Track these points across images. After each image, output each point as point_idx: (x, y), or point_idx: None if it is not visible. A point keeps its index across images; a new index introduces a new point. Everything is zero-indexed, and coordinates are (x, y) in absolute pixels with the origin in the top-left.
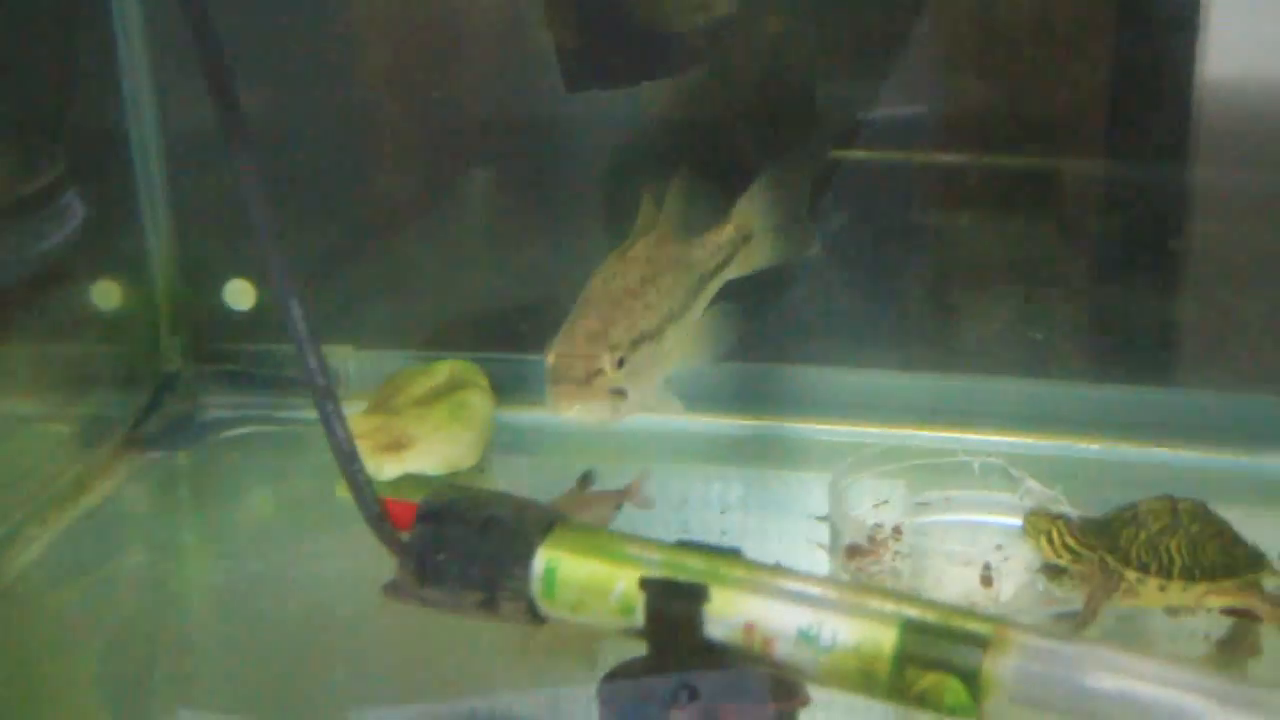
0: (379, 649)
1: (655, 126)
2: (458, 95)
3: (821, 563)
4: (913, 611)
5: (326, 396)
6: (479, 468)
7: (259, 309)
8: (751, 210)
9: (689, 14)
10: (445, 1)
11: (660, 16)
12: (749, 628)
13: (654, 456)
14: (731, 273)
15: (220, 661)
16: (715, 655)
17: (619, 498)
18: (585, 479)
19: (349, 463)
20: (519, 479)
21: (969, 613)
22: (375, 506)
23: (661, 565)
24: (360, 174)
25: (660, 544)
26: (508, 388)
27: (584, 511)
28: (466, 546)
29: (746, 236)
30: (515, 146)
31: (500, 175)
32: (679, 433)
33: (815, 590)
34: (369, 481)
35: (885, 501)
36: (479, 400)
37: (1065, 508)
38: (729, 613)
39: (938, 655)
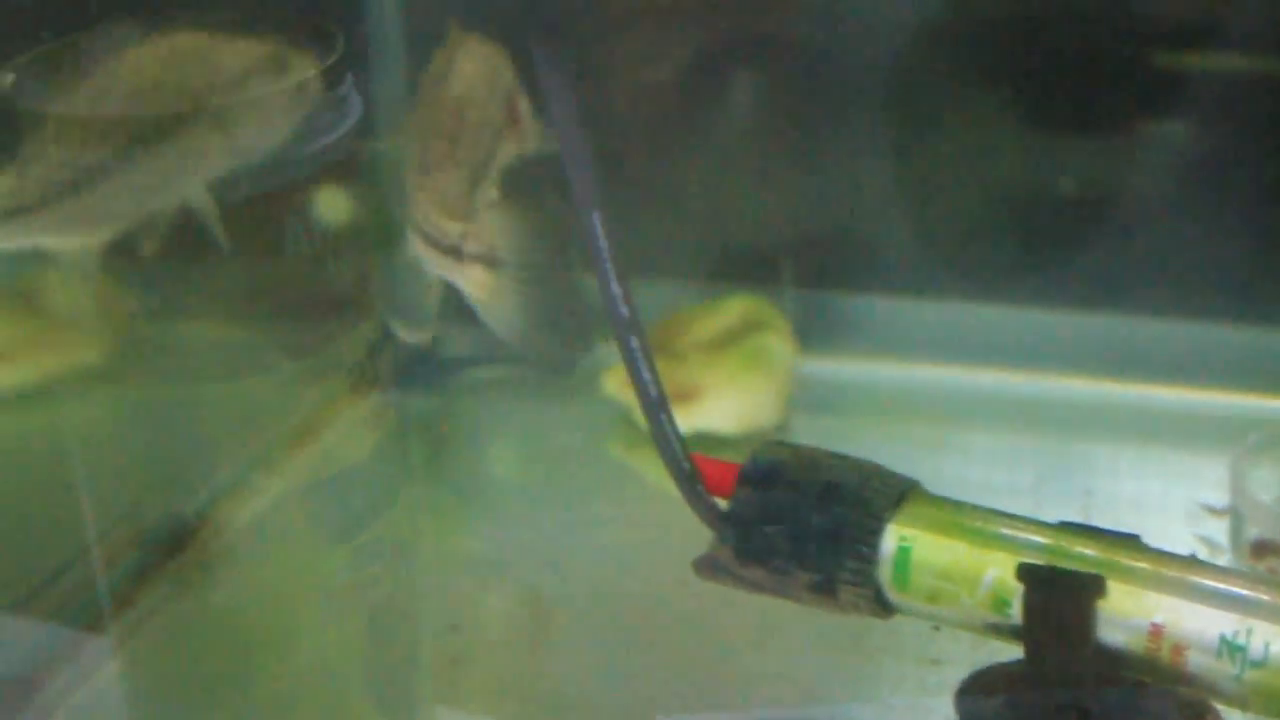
0: (685, 637)
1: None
2: None
3: (1217, 562)
4: None
5: (631, 330)
6: (780, 427)
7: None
8: None
9: None
10: None
11: None
12: (1156, 631)
13: (997, 424)
14: None
15: (491, 648)
16: (1110, 665)
17: None
18: None
19: (657, 411)
20: (831, 445)
21: None
22: (687, 464)
23: (1045, 550)
24: (624, 68)
25: (1041, 524)
26: (811, 332)
27: None
28: (800, 518)
29: None
30: (805, 44)
31: (791, 76)
32: (1028, 397)
33: (1244, 589)
34: (680, 435)
35: None
36: (780, 346)
37: None
38: (1131, 612)
39: None
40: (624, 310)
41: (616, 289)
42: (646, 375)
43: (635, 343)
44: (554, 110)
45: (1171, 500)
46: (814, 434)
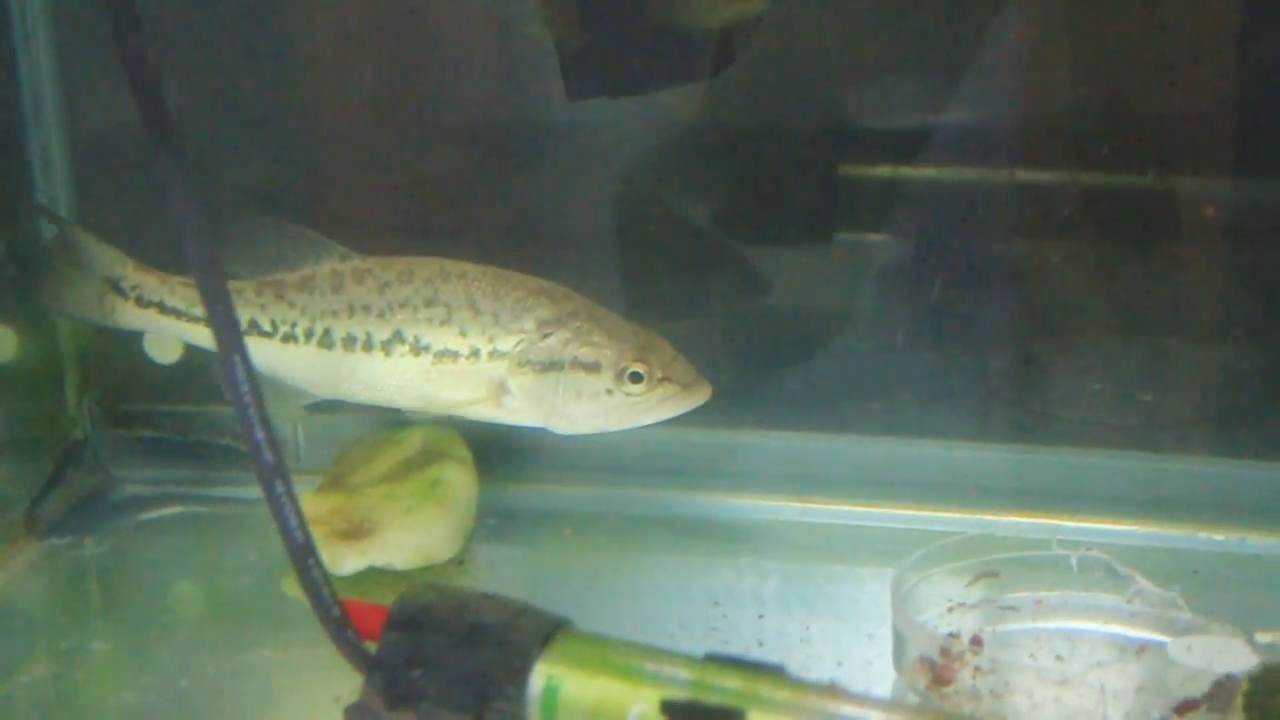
0: None
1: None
2: (437, 101)
3: (883, 681)
4: None
5: (276, 475)
6: (458, 560)
7: (185, 363)
8: None
9: (712, 11)
10: None
11: (678, 13)
12: None
13: (675, 545)
14: None
15: None
16: None
17: None
18: None
19: (303, 556)
20: (508, 575)
21: None
22: (335, 610)
23: (688, 685)
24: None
25: (686, 658)
26: (493, 460)
27: None
28: (448, 660)
29: None
30: (504, 158)
31: (486, 194)
32: (706, 518)
33: (881, 715)
34: (328, 579)
35: (961, 605)
36: (458, 477)
37: (1184, 613)
38: None
39: None
40: (268, 456)
41: (261, 434)
42: (292, 521)
43: (280, 488)
44: (190, 256)
45: (846, 619)
46: (493, 563)
